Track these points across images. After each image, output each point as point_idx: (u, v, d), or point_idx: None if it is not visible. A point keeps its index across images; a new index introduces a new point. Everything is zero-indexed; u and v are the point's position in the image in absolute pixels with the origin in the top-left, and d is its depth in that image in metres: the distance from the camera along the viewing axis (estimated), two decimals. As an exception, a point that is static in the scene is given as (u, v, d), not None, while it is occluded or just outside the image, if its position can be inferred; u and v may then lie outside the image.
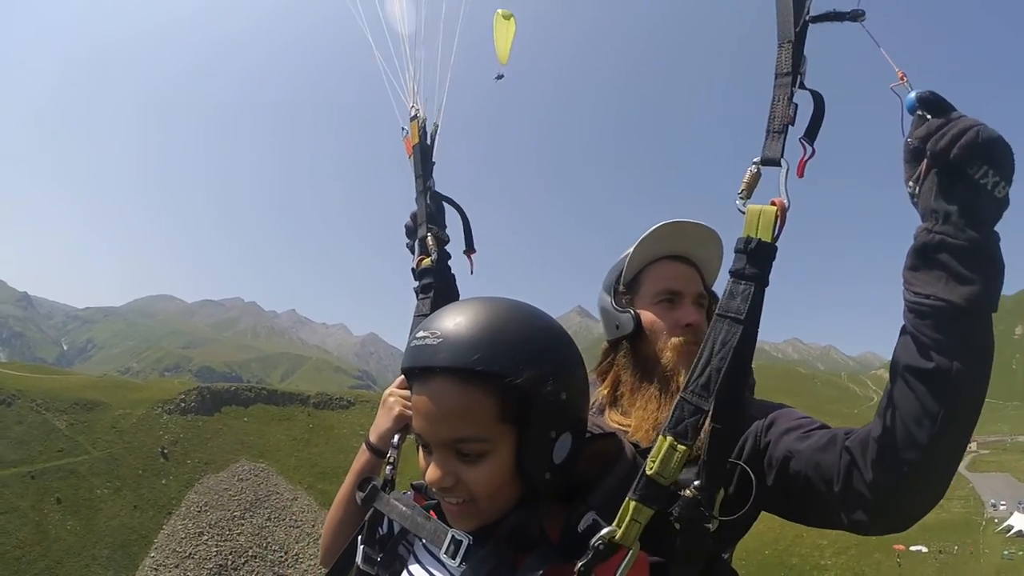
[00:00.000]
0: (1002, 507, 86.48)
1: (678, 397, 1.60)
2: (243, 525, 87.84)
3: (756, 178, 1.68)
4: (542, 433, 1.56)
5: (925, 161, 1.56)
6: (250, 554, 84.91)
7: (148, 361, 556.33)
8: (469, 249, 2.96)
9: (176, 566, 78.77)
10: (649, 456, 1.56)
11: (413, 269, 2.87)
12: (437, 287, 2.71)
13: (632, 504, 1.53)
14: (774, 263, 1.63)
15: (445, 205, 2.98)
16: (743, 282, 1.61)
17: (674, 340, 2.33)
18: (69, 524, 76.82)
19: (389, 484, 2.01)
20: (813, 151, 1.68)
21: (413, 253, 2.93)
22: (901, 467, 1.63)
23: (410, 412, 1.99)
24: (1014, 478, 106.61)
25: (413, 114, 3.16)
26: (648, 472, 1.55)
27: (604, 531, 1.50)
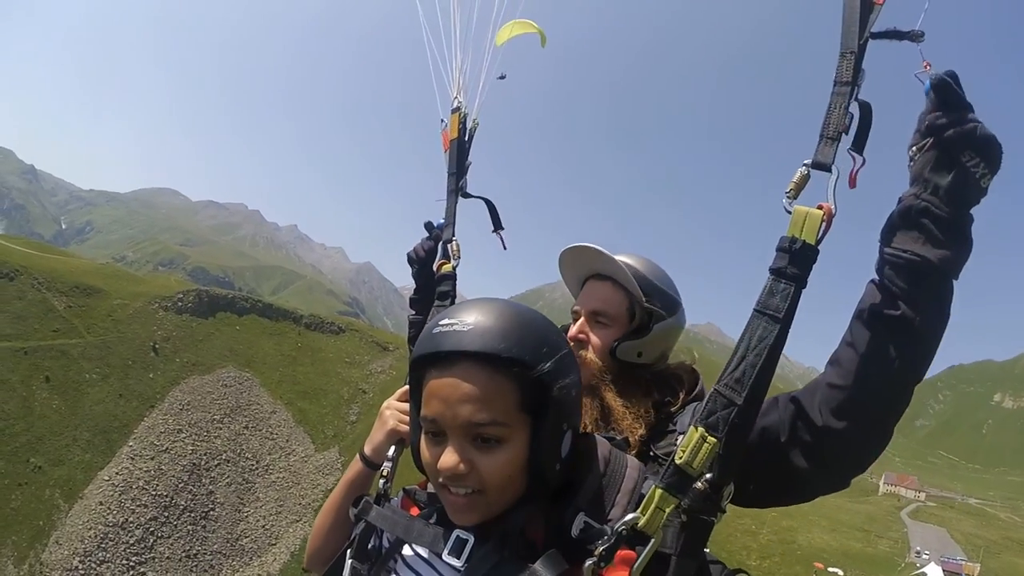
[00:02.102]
0: (925, 556, 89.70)
1: (712, 389, 1.68)
2: (221, 429, 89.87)
3: (805, 179, 1.75)
4: (557, 425, 1.63)
5: (931, 138, 1.72)
6: (223, 458, 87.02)
7: (144, 252, 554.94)
8: (498, 227, 3.17)
9: (152, 458, 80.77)
10: (679, 445, 1.63)
11: (411, 257, 3.15)
12: (454, 295, 2.85)
13: (658, 492, 1.58)
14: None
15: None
16: (783, 281, 1.67)
17: None
18: (55, 403, 78.99)
19: (383, 498, 2.14)
20: (864, 160, 1.76)
21: (412, 267, 3.15)
22: (852, 407, 1.77)
23: (405, 428, 2.31)
24: (948, 535, 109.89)
25: (456, 105, 3.20)
26: (677, 461, 1.61)
27: (628, 517, 1.55)
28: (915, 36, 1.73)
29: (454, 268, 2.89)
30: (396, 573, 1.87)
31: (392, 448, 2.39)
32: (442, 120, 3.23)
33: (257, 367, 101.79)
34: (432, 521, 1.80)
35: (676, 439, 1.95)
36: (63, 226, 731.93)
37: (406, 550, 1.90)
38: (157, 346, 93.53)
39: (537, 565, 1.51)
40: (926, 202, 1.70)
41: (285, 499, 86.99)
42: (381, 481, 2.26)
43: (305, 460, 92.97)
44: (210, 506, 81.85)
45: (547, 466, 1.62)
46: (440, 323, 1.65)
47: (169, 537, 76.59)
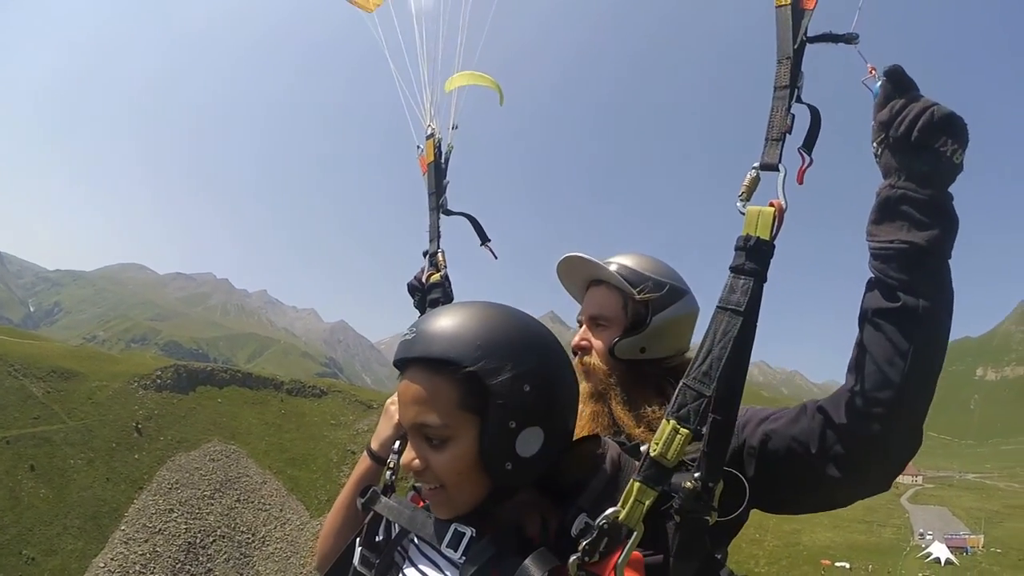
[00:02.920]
0: (929, 537, 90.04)
1: (680, 383, 1.71)
2: (212, 505, 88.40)
3: (755, 182, 1.81)
4: (501, 423, 1.64)
5: (891, 129, 1.78)
6: (218, 534, 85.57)
7: (115, 330, 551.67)
8: (485, 240, 3.28)
9: (146, 540, 79.35)
10: (653, 439, 1.66)
11: (413, 285, 3.21)
12: (444, 302, 3.01)
13: (636, 485, 1.62)
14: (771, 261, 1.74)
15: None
16: (743, 277, 1.71)
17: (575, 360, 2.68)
18: (42, 492, 77.30)
19: (390, 489, 2.21)
20: (811, 160, 1.83)
21: (413, 297, 3.21)
22: (876, 409, 1.76)
23: None
24: (950, 512, 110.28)
25: (429, 132, 3.42)
26: (652, 454, 1.64)
27: (609, 511, 1.59)
28: (850, 39, 1.82)
29: (442, 277, 3.07)
30: (403, 561, 1.93)
31: (397, 442, 2.40)
32: (418, 146, 3.44)
33: (243, 438, 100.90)
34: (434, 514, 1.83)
35: None
36: (31, 308, 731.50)
37: (412, 540, 1.96)
38: (140, 426, 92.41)
39: (527, 561, 1.54)
40: (902, 189, 1.75)
41: (285, 570, 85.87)
42: (387, 473, 2.31)
43: (301, 528, 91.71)
44: (211, 585, 79.94)
45: (496, 464, 1.66)
46: (405, 333, 1.77)
47: (174, 621, 74.63)
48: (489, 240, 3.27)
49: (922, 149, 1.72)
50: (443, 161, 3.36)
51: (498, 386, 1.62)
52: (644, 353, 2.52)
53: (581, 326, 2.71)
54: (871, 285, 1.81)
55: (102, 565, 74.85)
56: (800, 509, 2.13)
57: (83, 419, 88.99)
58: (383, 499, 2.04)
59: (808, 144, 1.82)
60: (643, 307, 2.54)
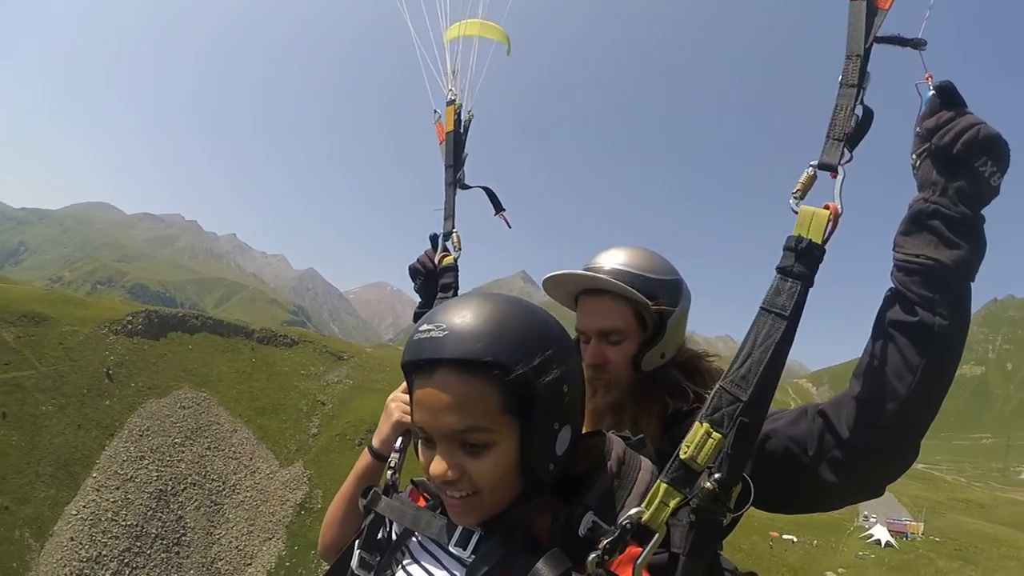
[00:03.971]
0: (872, 519, 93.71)
1: (717, 385, 1.69)
2: (183, 452, 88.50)
3: (812, 180, 1.79)
4: (546, 424, 1.63)
5: (934, 142, 1.78)
6: (189, 481, 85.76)
7: (81, 272, 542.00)
8: (499, 209, 3.20)
9: (118, 488, 79.51)
10: (684, 440, 1.65)
11: (416, 269, 3.13)
12: (456, 287, 2.92)
13: (663, 487, 1.61)
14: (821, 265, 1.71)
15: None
16: (790, 279, 1.68)
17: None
18: (14, 439, 77.24)
19: (392, 488, 2.18)
20: (851, 157, 1.80)
21: (415, 280, 3.15)
22: (879, 420, 1.77)
23: (410, 418, 2.15)
24: (895, 499, 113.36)
25: (451, 98, 3.24)
26: (682, 456, 1.63)
27: (632, 511, 1.58)
28: (918, 44, 1.81)
29: (455, 260, 2.98)
30: (404, 563, 1.91)
31: (399, 439, 2.44)
32: (435, 111, 3.28)
33: (213, 386, 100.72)
34: (439, 512, 1.83)
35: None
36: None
37: (414, 540, 1.95)
38: (111, 372, 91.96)
39: (540, 564, 1.51)
40: (936, 204, 1.76)
41: (255, 518, 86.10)
42: (389, 472, 2.32)
43: (271, 477, 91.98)
44: (181, 531, 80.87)
45: (539, 466, 1.64)
46: (420, 329, 1.65)
47: (144, 567, 75.53)
48: (504, 209, 3.23)
49: (962, 166, 1.75)
50: (463, 131, 3.22)
51: (544, 388, 1.60)
52: (664, 359, 2.56)
53: (586, 339, 2.66)
54: (890, 295, 1.85)
55: (74, 513, 74.91)
56: (794, 509, 2.20)
57: (54, 364, 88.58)
58: (384, 499, 2.04)
59: (853, 141, 1.82)
60: (658, 316, 2.54)
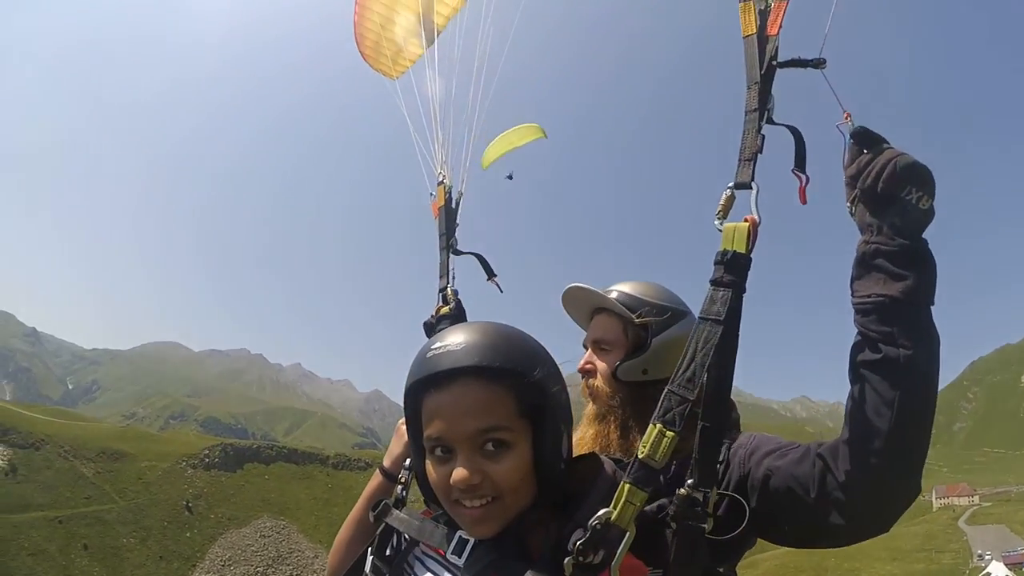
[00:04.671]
0: (988, 556, 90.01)
1: (665, 389, 1.76)
2: None
3: (731, 200, 1.91)
4: (556, 426, 1.75)
5: (860, 187, 1.89)
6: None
7: (154, 408, 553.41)
8: (491, 275, 3.53)
9: None
10: (640, 441, 1.71)
11: (429, 324, 3.29)
12: None
13: (627, 487, 1.65)
14: (750, 273, 1.82)
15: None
16: (721, 288, 1.79)
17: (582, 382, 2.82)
18: (96, 571, 77.94)
19: (401, 503, 2.24)
20: (807, 178, 1.93)
21: (429, 336, 3.21)
22: (868, 459, 1.81)
23: None
24: (1009, 529, 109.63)
25: (440, 179, 3.67)
26: (640, 456, 1.68)
27: (601, 512, 1.62)
28: (818, 63, 1.91)
29: (451, 310, 3.22)
30: (410, 571, 1.97)
31: (409, 459, 2.44)
32: (431, 193, 3.70)
33: (292, 513, 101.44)
34: (443, 522, 1.89)
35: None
36: (70, 386, 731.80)
37: (420, 550, 2.00)
38: (190, 504, 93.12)
39: (530, 573, 1.59)
40: (875, 243, 1.83)
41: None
42: (399, 489, 2.36)
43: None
44: (268, 661, 79.18)
45: (553, 465, 1.74)
46: (432, 347, 1.74)
47: None
48: (495, 275, 3.53)
49: (890, 200, 1.82)
50: (454, 205, 3.60)
51: (552, 394, 1.73)
52: (647, 375, 2.62)
53: (587, 350, 2.82)
54: (856, 339, 1.89)
55: (160, 645, 73.97)
56: (802, 545, 2.24)
57: (134, 499, 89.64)
58: (395, 512, 2.10)
59: (799, 163, 1.93)
60: (643, 330, 2.65)
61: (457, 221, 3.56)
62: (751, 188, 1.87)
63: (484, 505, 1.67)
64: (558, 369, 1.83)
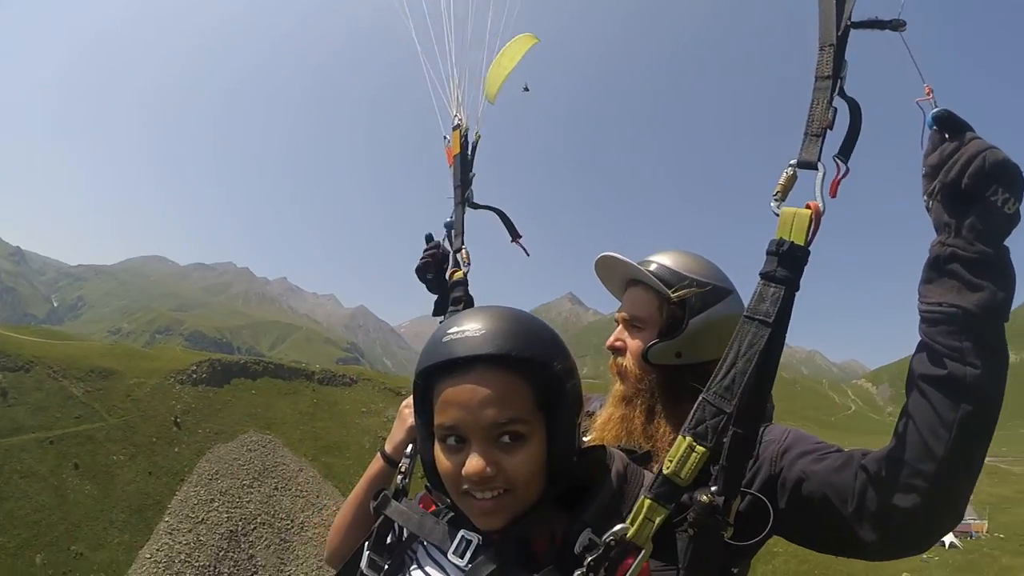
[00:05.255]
0: None
1: (700, 398, 1.64)
2: (252, 493, 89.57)
3: (792, 180, 1.72)
4: (570, 419, 1.68)
5: (941, 180, 1.67)
6: (259, 521, 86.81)
7: (140, 322, 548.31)
8: (515, 237, 3.26)
9: (189, 530, 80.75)
10: (667, 455, 1.61)
11: (424, 267, 3.16)
12: (467, 300, 2.93)
13: (647, 502, 1.57)
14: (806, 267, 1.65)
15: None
16: (773, 285, 1.64)
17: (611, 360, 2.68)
18: (87, 489, 78.94)
19: (401, 493, 2.22)
20: (847, 169, 1.71)
21: (424, 279, 3.18)
22: (916, 481, 1.66)
23: None
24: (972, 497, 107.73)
25: (456, 123, 3.33)
26: (665, 471, 1.58)
27: (617, 528, 1.55)
28: (897, 25, 1.75)
29: (465, 275, 3.04)
30: (410, 565, 1.92)
31: (411, 446, 2.50)
32: (445, 137, 3.38)
33: (277, 428, 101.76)
34: (444, 519, 1.84)
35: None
36: (55, 304, 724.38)
37: (421, 545, 1.96)
38: (178, 420, 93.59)
39: None
40: (952, 247, 1.67)
41: (323, 554, 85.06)
42: (399, 477, 2.38)
43: (337, 513, 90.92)
44: (253, 570, 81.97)
45: (567, 458, 1.69)
46: (449, 331, 1.67)
47: (218, 606, 76.03)
48: (520, 236, 3.29)
49: (973, 200, 1.65)
50: (470, 152, 3.29)
51: (568, 386, 1.67)
52: (680, 358, 2.49)
53: (618, 325, 2.70)
54: (919, 348, 1.75)
55: (148, 556, 76.33)
56: (828, 551, 2.11)
57: (123, 416, 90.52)
58: (394, 503, 2.03)
59: (845, 151, 1.76)
60: (680, 309, 2.49)
61: (473, 170, 3.27)
62: (817, 169, 1.71)
63: (495, 497, 1.62)
64: (574, 361, 1.76)
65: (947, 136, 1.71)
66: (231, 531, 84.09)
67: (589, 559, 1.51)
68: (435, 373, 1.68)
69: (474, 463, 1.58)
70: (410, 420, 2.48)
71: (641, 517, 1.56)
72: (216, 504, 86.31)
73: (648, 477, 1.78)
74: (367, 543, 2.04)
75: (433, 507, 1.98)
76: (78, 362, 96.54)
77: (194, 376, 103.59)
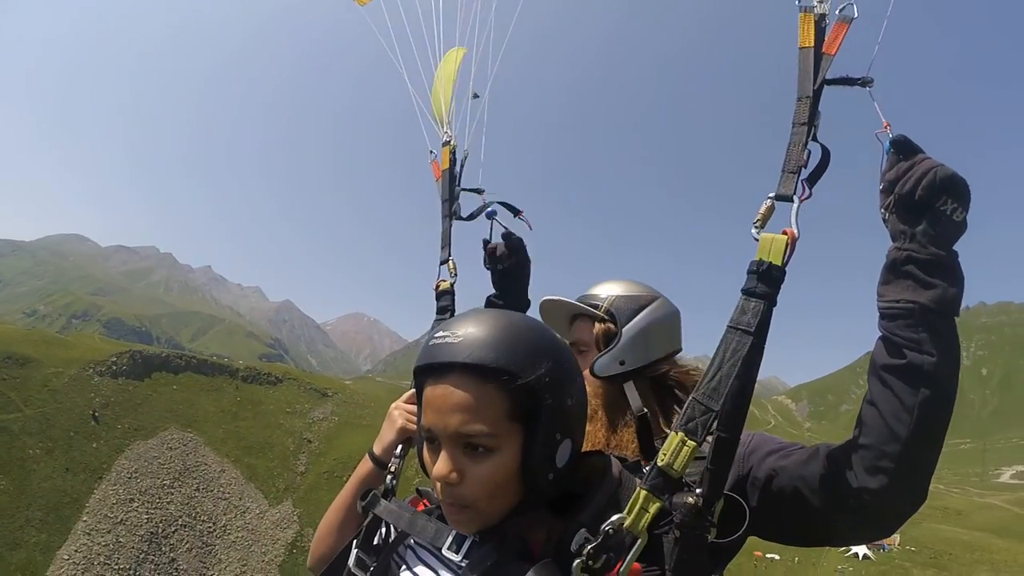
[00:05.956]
0: None
1: (690, 398, 1.75)
2: (172, 494, 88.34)
3: (771, 211, 1.88)
4: (548, 434, 1.67)
5: (896, 194, 1.87)
6: (180, 523, 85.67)
7: (56, 305, 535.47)
8: (516, 212, 3.30)
9: (108, 531, 79.26)
10: (661, 449, 1.69)
11: (491, 255, 3.19)
12: (452, 310, 3.03)
13: (643, 493, 1.65)
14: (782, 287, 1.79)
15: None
16: (754, 299, 1.77)
17: None
18: (2, 484, 76.83)
19: (390, 493, 2.22)
20: (810, 194, 1.91)
21: (496, 284, 3.20)
22: (882, 463, 1.79)
23: (413, 426, 2.40)
24: None
25: (446, 139, 3.40)
26: (660, 463, 1.67)
27: (614, 517, 1.61)
28: (865, 82, 1.95)
29: (452, 284, 3.09)
30: (399, 565, 1.96)
31: (400, 446, 2.54)
32: (431, 152, 3.47)
33: (199, 426, 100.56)
34: (436, 516, 1.88)
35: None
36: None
37: (410, 543, 1.99)
38: (97, 414, 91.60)
39: (531, 572, 1.55)
40: (907, 250, 1.82)
41: (247, 558, 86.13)
42: (388, 477, 2.39)
43: (261, 517, 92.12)
44: (174, 574, 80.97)
45: (539, 475, 1.68)
46: (436, 335, 1.73)
47: (138, 611, 74.56)
48: (521, 211, 3.32)
49: (925, 209, 1.82)
50: (458, 168, 3.37)
51: (550, 399, 1.66)
52: (624, 365, 2.63)
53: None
54: (879, 343, 1.89)
55: (66, 557, 74.64)
56: (799, 544, 2.25)
57: (40, 407, 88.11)
58: (383, 502, 2.08)
59: (813, 179, 1.94)
60: (612, 323, 2.68)
61: (459, 185, 3.36)
62: (793, 201, 1.88)
63: (463, 508, 1.68)
64: (569, 373, 1.78)
65: (902, 157, 1.88)
66: (151, 533, 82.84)
67: (588, 548, 1.55)
68: (422, 374, 1.75)
69: (439, 467, 1.65)
70: (400, 421, 2.55)
71: (638, 507, 1.63)
72: (136, 504, 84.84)
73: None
74: (355, 541, 2.09)
75: (423, 506, 2.03)
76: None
77: (114, 368, 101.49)
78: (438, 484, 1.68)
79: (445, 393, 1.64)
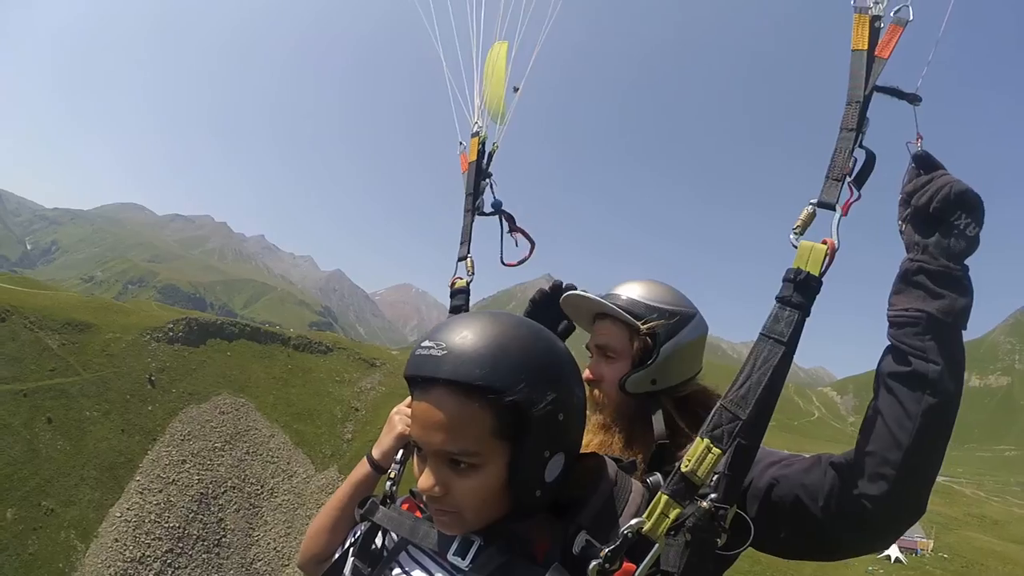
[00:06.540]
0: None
1: (717, 404, 1.72)
2: (223, 456, 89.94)
3: (811, 217, 1.84)
4: (536, 452, 1.62)
5: (913, 206, 1.90)
6: (229, 484, 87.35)
7: (113, 271, 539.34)
8: (513, 227, 3.15)
9: (160, 491, 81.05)
10: (686, 455, 1.66)
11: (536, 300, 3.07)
12: (466, 310, 2.89)
13: (664, 498, 1.61)
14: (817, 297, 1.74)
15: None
16: (788, 308, 1.73)
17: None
18: (59, 444, 78.67)
19: (389, 499, 2.17)
20: (859, 195, 1.88)
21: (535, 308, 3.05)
22: (884, 469, 1.78)
23: None
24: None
25: (475, 130, 3.24)
26: (683, 469, 1.64)
27: (634, 521, 1.58)
28: (913, 98, 1.93)
29: (467, 283, 2.99)
30: (400, 569, 1.90)
31: (400, 452, 2.45)
32: (461, 143, 3.29)
33: (251, 391, 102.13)
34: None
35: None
36: (28, 247, 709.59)
37: (409, 550, 1.94)
38: (153, 378, 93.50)
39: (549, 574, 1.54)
40: (919, 261, 1.85)
41: (292, 520, 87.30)
42: (388, 483, 2.31)
43: (307, 481, 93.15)
44: (222, 533, 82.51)
45: (525, 491, 1.66)
46: (422, 344, 1.67)
47: (186, 568, 77.09)
48: (519, 229, 3.18)
49: (939, 222, 1.84)
50: (485, 161, 3.21)
51: (537, 416, 1.60)
52: (655, 384, 2.59)
53: (590, 354, 2.78)
54: (886, 351, 1.89)
55: (118, 515, 76.55)
56: (795, 555, 2.20)
57: (98, 371, 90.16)
58: (382, 509, 2.05)
59: (859, 181, 1.90)
60: (650, 338, 2.58)
61: (486, 179, 3.19)
62: (835, 210, 1.84)
63: (450, 514, 1.67)
64: (566, 379, 1.73)
65: (922, 171, 1.94)
66: (201, 493, 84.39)
67: (606, 550, 1.54)
68: (410, 383, 1.72)
69: (423, 480, 1.65)
70: (399, 427, 2.49)
71: (658, 512, 1.61)
72: (188, 466, 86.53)
73: (636, 485, 1.85)
74: (352, 549, 2.09)
75: (419, 512, 2.02)
76: (54, 313, 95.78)
77: (170, 334, 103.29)
78: (423, 495, 1.67)
79: (428, 409, 1.61)
